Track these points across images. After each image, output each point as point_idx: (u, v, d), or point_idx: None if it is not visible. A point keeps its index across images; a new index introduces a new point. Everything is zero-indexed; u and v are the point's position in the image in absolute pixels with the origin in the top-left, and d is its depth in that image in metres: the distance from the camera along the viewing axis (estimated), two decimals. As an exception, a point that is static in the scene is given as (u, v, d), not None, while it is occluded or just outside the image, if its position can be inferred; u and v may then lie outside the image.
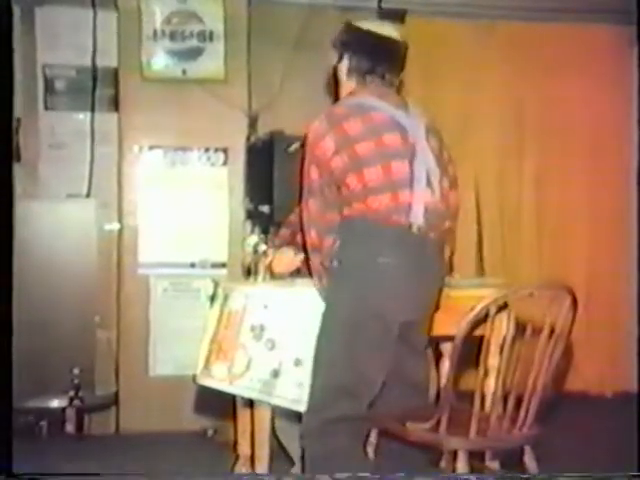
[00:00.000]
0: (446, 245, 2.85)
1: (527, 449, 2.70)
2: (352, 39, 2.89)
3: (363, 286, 2.69)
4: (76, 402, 4.57)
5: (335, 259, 2.76)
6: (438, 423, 2.58)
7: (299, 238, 3.70)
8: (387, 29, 2.92)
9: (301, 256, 3.43)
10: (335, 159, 2.72)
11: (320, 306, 2.86)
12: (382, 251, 2.68)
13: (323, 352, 2.77)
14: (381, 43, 2.87)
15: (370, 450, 2.83)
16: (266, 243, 3.42)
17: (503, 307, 2.64)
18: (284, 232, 3.74)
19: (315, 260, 2.84)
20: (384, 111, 2.76)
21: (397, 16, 5.18)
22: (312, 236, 2.82)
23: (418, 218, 2.69)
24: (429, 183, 2.73)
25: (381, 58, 2.87)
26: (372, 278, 2.69)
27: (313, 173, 2.78)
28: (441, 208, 2.76)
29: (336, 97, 3.04)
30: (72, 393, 4.55)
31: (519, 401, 2.62)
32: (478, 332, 2.60)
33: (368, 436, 2.86)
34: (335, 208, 2.77)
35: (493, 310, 2.52)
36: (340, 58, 2.91)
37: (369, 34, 2.88)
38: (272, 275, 3.35)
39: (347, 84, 2.91)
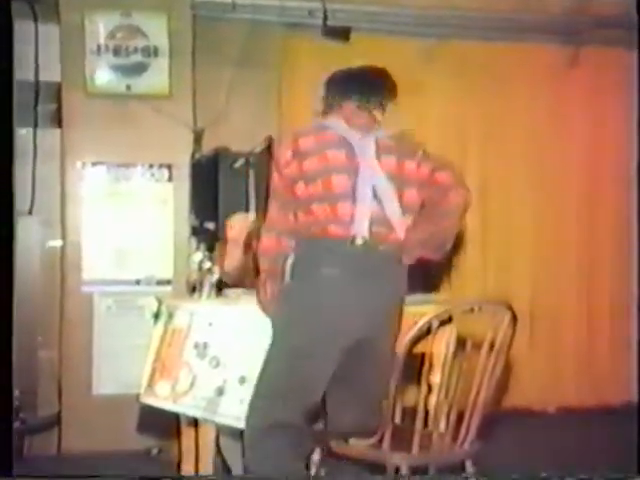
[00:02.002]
0: (406, 258, 2.85)
1: (468, 464, 2.72)
2: (328, 79, 3.05)
3: (308, 296, 2.75)
4: (17, 424, 4.48)
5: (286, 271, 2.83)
6: (381, 439, 2.58)
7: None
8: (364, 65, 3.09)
9: (252, 216, 3.49)
10: (289, 168, 2.86)
11: (265, 324, 2.86)
12: (325, 262, 2.74)
13: (265, 361, 2.82)
14: (352, 74, 3.04)
15: (313, 469, 2.82)
16: (211, 260, 3.40)
17: (445, 323, 2.66)
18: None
19: (264, 265, 2.92)
20: (337, 130, 2.88)
21: (342, 34, 5.22)
22: (268, 238, 2.94)
23: (362, 230, 2.74)
24: (376, 197, 2.78)
25: (351, 88, 2.99)
26: (316, 288, 2.75)
27: (275, 178, 2.96)
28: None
29: None
30: (13, 415, 4.46)
31: (461, 417, 2.64)
32: (420, 349, 2.61)
33: (311, 454, 2.85)
34: (290, 211, 2.90)
35: (435, 326, 2.53)
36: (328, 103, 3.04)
37: (341, 71, 3.06)
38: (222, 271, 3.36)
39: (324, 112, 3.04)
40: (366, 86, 3.01)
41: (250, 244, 3.68)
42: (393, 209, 2.80)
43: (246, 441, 2.80)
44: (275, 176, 2.96)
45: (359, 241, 2.74)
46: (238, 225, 3.52)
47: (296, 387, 2.75)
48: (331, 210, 2.77)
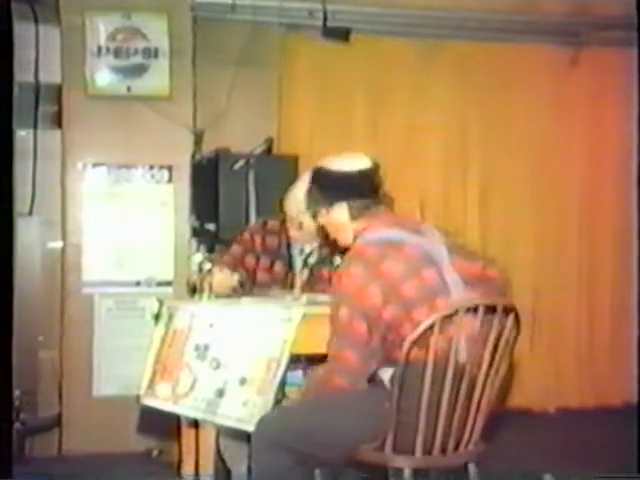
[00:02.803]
0: None
1: (471, 466, 2.72)
2: (344, 185, 2.79)
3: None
4: (17, 425, 4.48)
5: None
6: (383, 442, 2.58)
7: (249, 260, 3.71)
8: (362, 161, 2.83)
9: (237, 277, 3.44)
10: (386, 309, 2.60)
11: (265, 325, 2.87)
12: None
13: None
14: (369, 178, 2.81)
15: (317, 471, 2.82)
16: (211, 261, 3.40)
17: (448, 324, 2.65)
18: (235, 250, 3.73)
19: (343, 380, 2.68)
20: (412, 243, 2.66)
21: (342, 35, 5.23)
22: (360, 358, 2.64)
23: None
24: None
25: (374, 191, 2.80)
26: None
27: (359, 325, 2.60)
28: None
29: (331, 242, 3.01)
30: (13, 415, 4.46)
31: (464, 418, 2.64)
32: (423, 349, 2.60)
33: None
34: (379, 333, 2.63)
35: (438, 327, 2.53)
36: (331, 206, 2.82)
37: (358, 174, 2.79)
38: (213, 294, 3.34)
39: (352, 225, 2.81)
40: (374, 184, 2.82)
41: (243, 262, 3.68)
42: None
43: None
44: (360, 326, 2.60)
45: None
46: (221, 284, 3.44)
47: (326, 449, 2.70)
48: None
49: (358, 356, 2.62)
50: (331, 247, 3.40)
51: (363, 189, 2.79)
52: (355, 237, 2.78)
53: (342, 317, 2.63)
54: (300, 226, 3.61)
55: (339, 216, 2.81)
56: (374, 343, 2.61)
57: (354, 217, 2.78)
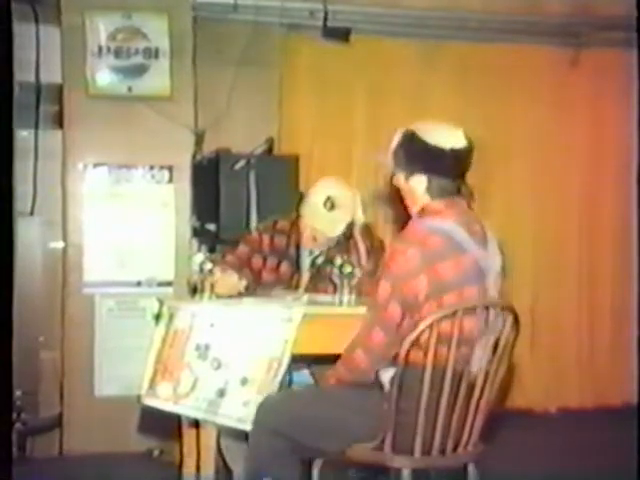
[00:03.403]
0: None
1: (471, 467, 2.72)
2: (430, 159, 2.70)
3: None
4: (18, 425, 4.48)
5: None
6: (382, 442, 2.59)
7: (255, 261, 3.71)
8: (458, 138, 2.74)
9: (244, 283, 3.43)
10: (426, 306, 2.58)
11: (266, 325, 2.87)
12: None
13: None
14: (459, 158, 2.73)
15: (315, 471, 2.82)
16: (212, 261, 3.40)
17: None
18: (242, 250, 3.72)
19: (363, 363, 2.68)
20: (472, 253, 2.63)
21: (342, 35, 5.23)
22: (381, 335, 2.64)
23: None
24: None
25: (460, 174, 2.75)
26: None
27: (395, 308, 2.59)
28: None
29: (401, 202, 2.86)
30: (14, 416, 4.47)
31: (463, 419, 2.64)
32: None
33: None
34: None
35: (436, 328, 2.54)
36: (411, 175, 2.73)
37: (450, 153, 2.70)
38: (215, 295, 3.34)
39: (424, 197, 2.73)
40: (466, 167, 2.77)
41: (249, 262, 3.68)
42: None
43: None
44: (395, 308, 2.59)
45: None
46: (227, 287, 3.43)
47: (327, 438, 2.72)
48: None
49: (385, 338, 2.61)
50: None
51: (448, 169, 2.71)
52: (422, 213, 2.72)
53: (381, 295, 2.61)
54: (314, 239, 3.60)
55: (417, 186, 2.73)
56: (402, 331, 2.59)
57: (431, 194, 2.71)
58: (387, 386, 2.66)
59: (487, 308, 2.64)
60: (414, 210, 2.77)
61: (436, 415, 2.59)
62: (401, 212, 2.95)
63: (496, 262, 2.71)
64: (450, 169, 2.72)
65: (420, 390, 2.56)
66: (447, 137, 2.71)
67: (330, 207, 3.51)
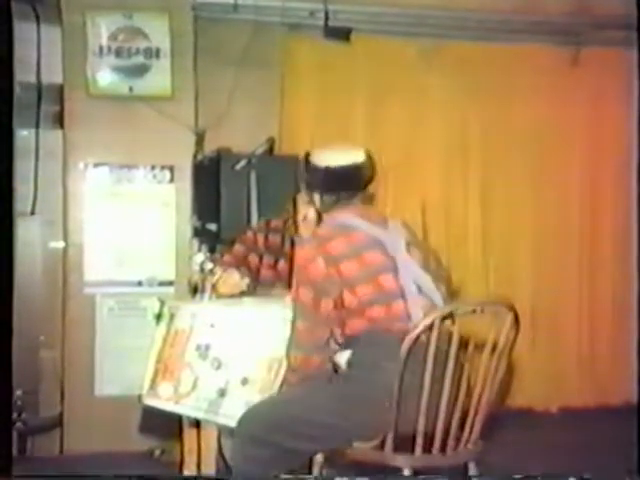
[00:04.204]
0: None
1: (471, 465, 2.73)
2: (316, 179, 2.94)
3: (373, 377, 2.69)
4: (19, 425, 4.48)
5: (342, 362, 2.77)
6: (383, 441, 2.59)
7: (252, 259, 3.72)
8: (350, 155, 2.94)
9: (247, 280, 3.43)
10: (327, 278, 2.74)
11: (267, 324, 2.87)
12: (387, 357, 2.65)
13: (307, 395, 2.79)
14: (347, 174, 2.92)
15: (316, 469, 2.83)
16: (213, 261, 3.40)
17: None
18: (238, 249, 3.73)
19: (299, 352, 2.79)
20: (363, 230, 2.81)
21: (343, 35, 5.23)
22: (303, 326, 2.77)
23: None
24: (421, 291, 2.76)
25: (351, 187, 2.92)
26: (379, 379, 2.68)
27: (305, 294, 2.77)
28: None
29: None
30: (15, 415, 4.47)
31: (464, 418, 2.64)
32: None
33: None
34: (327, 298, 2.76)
35: (437, 327, 2.54)
36: (310, 194, 2.98)
37: (332, 170, 2.92)
38: (216, 294, 3.34)
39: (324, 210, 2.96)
40: (359, 181, 2.95)
41: (246, 260, 3.69)
42: (438, 299, 2.77)
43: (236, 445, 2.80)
44: (306, 292, 2.76)
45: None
46: (229, 287, 3.44)
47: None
48: (386, 310, 2.70)
49: (306, 324, 2.75)
50: None
51: (338, 184, 2.91)
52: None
53: (292, 289, 2.82)
54: (305, 217, 3.62)
55: (316, 202, 2.95)
56: (323, 310, 2.72)
57: (324, 209, 2.92)
58: (344, 367, 2.73)
59: (475, 309, 2.68)
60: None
61: (436, 413, 2.60)
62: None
63: (398, 235, 2.86)
64: (339, 184, 2.92)
65: (420, 388, 2.57)
66: (335, 156, 2.94)
67: None
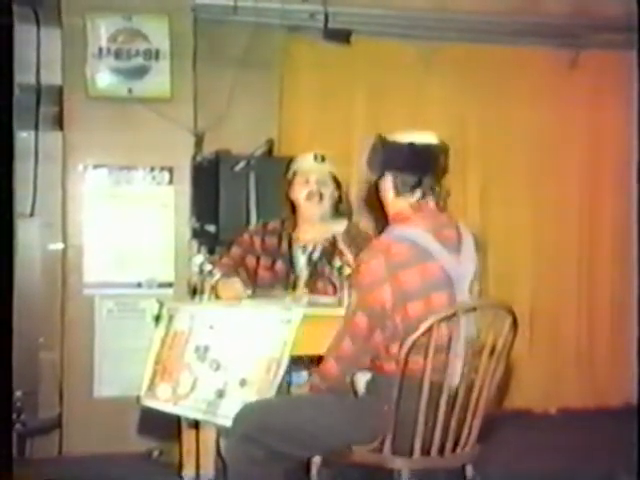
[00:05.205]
0: None
1: (469, 467, 2.73)
2: (393, 156, 2.78)
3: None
4: (18, 426, 4.48)
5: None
6: (382, 444, 2.59)
7: (249, 261, 3.72)
8: (423, 138, 2.80)
9: (249, 292, 3.43)
10: (394, 315, 2.62)
11: (265, 326, 2.88)
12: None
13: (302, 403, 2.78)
14: (424, 154, 2.77)
15: (314, 469, 2.83)
16: (212, 263, 3.40)
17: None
18: (235, 251, 3.73)
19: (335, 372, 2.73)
20: (437, 260, 2.63)
21: (343, 37, 5.24)
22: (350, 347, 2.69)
23: None
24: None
25: (427, 170, 2.76)
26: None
27: (361, 318, 2.65)
28: None
29: (381, 208, 2.89)
30: (14, 416, 4.47)
31: (462, 420, 2.64)
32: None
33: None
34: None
35: (436, 328, 2.54)
36: (381, 176, 2.81)
37: (410, 147, 2.76)
38: (216, 297, 3.34)
39: (395, 202, 2.79)
40: (435, 164, 2.79)
41: (243, 263, 3.70)
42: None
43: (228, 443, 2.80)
44: (362, 320, 2.64)
45: None
46: (230, 294, 3.43)
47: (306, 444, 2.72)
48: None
49: (353, 348, 2.67)
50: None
51: (408, 163, 2.75)
52: (393, 221, 2.76)
53: (351, 306, 2.72)
54: (321, 197, 3.64)
55: (384, 186, 2.80)
56: (372, 340, 2.65)
57: (397, 191, 2.76)
58: (362, 391, 2.69)
59: (474, 309, 2.66)
60: (389, 216, 2.82)
61: (435, 416, 2.60)
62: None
63: (469, 269, 2.74)
64: (410, 163, 2.76)
65: (419, 391, 2.57)
66: (410, 137, 2.80)
67: (321, 160, 3.69)
